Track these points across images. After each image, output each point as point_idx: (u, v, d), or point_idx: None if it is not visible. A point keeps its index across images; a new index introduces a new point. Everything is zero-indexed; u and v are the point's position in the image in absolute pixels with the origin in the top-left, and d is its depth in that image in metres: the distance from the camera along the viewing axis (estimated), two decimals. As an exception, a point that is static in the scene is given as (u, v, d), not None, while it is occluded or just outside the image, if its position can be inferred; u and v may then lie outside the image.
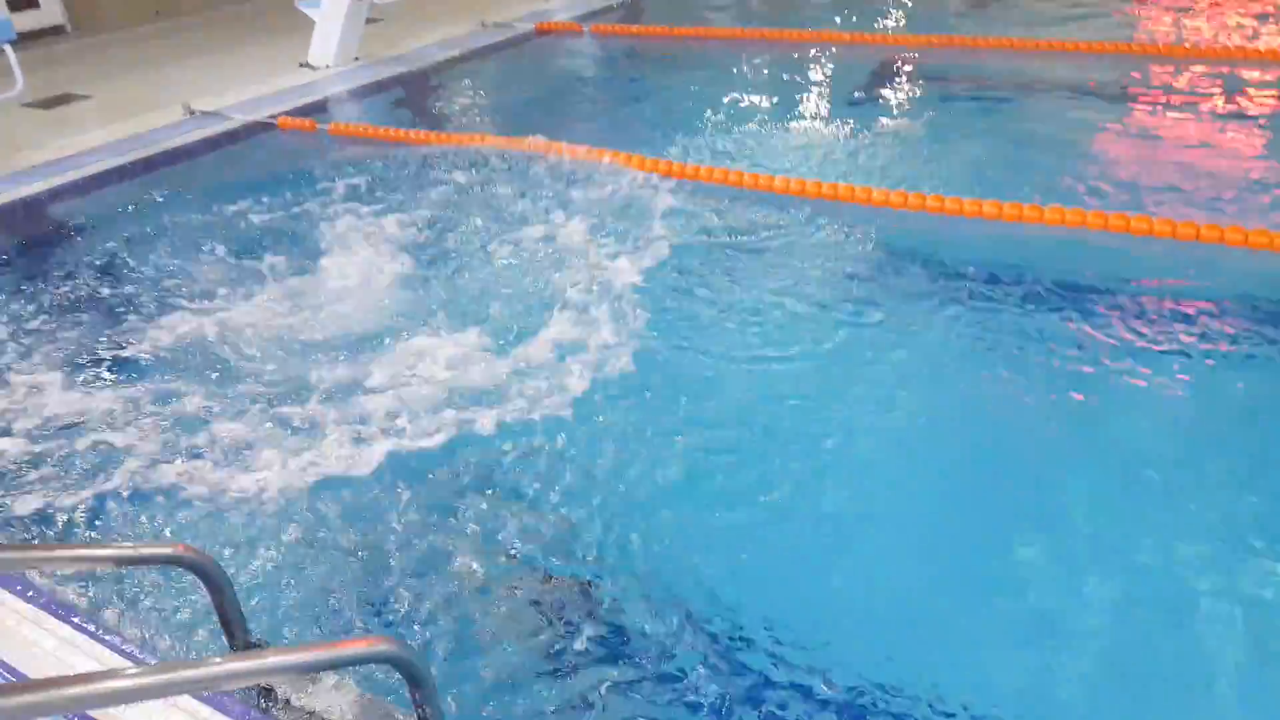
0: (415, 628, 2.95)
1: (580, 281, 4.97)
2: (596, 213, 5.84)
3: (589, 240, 5.48)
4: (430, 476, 3.63)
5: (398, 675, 2.17)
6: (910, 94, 8.30)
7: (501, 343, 4.46)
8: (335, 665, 2.28)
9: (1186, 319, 4.48)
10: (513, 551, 3.26)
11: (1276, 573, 3.03)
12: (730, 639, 2.89)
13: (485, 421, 3.88)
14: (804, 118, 7.65)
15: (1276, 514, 3.27)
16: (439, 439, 3.80)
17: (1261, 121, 6.93)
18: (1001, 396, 4.09)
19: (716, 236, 5.58)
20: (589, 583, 3.13)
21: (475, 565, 3.19)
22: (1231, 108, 7.24)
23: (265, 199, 6.26)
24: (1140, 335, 4.37)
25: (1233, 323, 4.44)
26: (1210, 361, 4.16)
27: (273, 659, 2.12)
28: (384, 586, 3.12)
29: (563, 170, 6.53)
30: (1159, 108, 7.42)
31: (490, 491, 3.56)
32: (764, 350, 4.43)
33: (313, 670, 2.25)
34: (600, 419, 3.93)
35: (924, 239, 5.45)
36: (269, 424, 3.94)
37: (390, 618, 3.00)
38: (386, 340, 4.55)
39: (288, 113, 8.09)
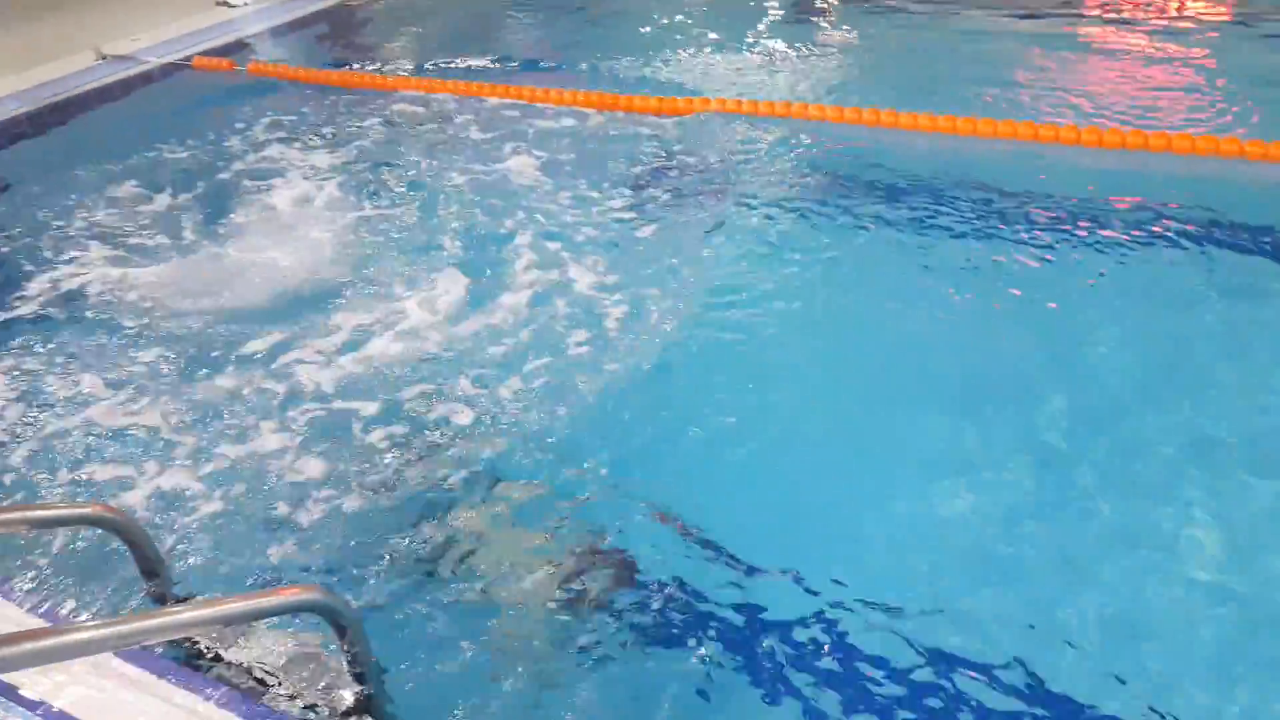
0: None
1: (525, 225, 4.89)
2: (540, 151, 5.73)
3: (534, 179, 5.39)
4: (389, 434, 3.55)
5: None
6: (846, 11, 8.21)
7: (446, 292, 4.37)
8: (260, 616, 2.26)
9: (1113, 222, 4.56)
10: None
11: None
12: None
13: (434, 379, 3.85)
14: (741, 38, 7.53)
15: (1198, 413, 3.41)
16: (383, 397, 3.74)
17: (1195, 36, 6.99)
18: (941, 299, 4.16)
19: (666, 163, 5.52)
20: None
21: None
22: (1165, 21, 7.28)
23: (180, 147, 6.04)
24: (1069, 238, 4.46)
25: (1159, 222, 4.53)
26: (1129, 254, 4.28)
27: (195, 612, 2.10)
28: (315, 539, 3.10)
29: (498, 109, 6.40)
30: (1096, 22, 7.43)
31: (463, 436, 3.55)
32: (720, 275, 4.42)
33: (238, 621, 2.24)
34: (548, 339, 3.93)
35: (864, 152, 5.47)
36: (193, 378, 3.86)
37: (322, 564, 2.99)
38: (316, 294, 4.43)
39: (204, 53, 7.78)
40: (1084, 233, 4.49)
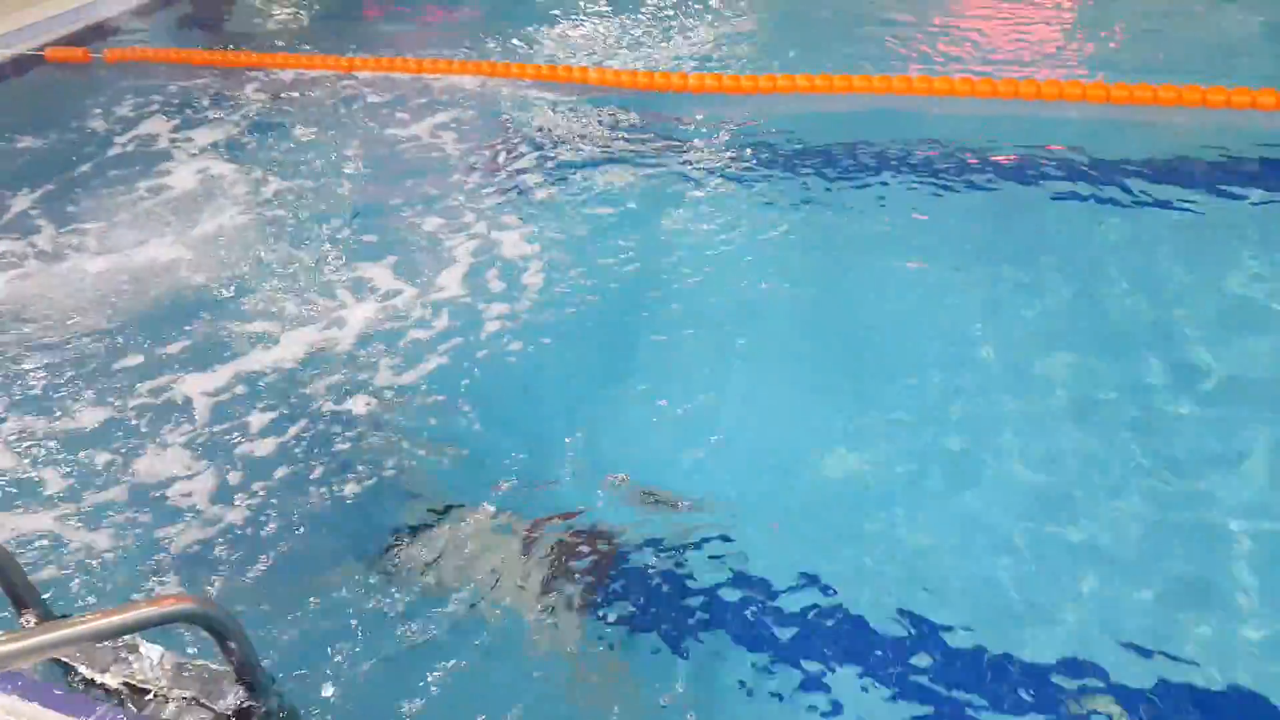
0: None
1: (422, 200, 4.76)
2: (435, 125, 5.58)
3: (425, 153, 5.25)
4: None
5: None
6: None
7: (332, 280, 4.23)
8: (133, 629, 2.13)
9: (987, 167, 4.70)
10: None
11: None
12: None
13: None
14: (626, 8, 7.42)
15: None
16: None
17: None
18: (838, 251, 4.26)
19: (560, 135, 5.41)
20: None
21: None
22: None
23: (37, 146, 5.69)
24: (950, 187, 4.57)
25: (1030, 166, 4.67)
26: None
27: (60, 632, 1.99)
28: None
29: (380, 81, 6.20)
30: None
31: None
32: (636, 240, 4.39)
33: (109, 637, 2.12)
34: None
35: (755, 118, 5.46)
36: (68, 395, 3.67)
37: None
38: (199, 294, 4.24)
39: (56, 42, 7.33)
40: (977, 179, 4.62)
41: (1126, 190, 4.40)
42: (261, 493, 3.15)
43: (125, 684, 2.34)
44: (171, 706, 2.28)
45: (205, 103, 6.16)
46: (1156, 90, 5.06)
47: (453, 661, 2.55)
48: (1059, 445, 3.11)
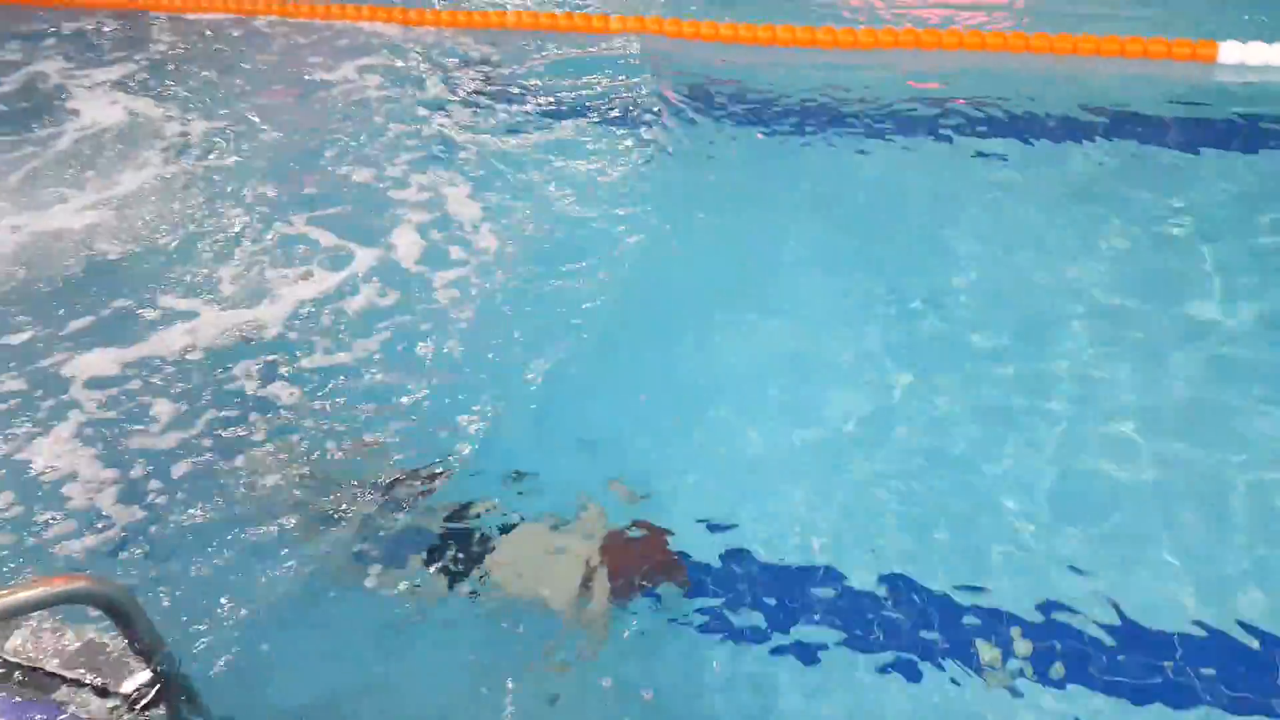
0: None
1: (338, 153, 4.55)
2: (347, 73, 5.34)
3: (335, 102, 5.03)
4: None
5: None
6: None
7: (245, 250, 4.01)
8: (24, 610, 1.98)
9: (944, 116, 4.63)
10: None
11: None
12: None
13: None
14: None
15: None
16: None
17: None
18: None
19: (494, 81, 5.22)
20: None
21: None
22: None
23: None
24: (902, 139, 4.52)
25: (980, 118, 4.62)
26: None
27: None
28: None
29: (305, 29, 5.91)
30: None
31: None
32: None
33: (-1, 619, 1.97)
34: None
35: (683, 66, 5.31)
36: None
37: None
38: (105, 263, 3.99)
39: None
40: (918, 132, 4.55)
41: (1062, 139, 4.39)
42: (173, 480, 2.99)
43: (18, 666, 2.19)
44: (68, 689, 2.14)
45: (102, 48, 5.77)
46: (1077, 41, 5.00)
47: (355, 647, 2.46)
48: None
